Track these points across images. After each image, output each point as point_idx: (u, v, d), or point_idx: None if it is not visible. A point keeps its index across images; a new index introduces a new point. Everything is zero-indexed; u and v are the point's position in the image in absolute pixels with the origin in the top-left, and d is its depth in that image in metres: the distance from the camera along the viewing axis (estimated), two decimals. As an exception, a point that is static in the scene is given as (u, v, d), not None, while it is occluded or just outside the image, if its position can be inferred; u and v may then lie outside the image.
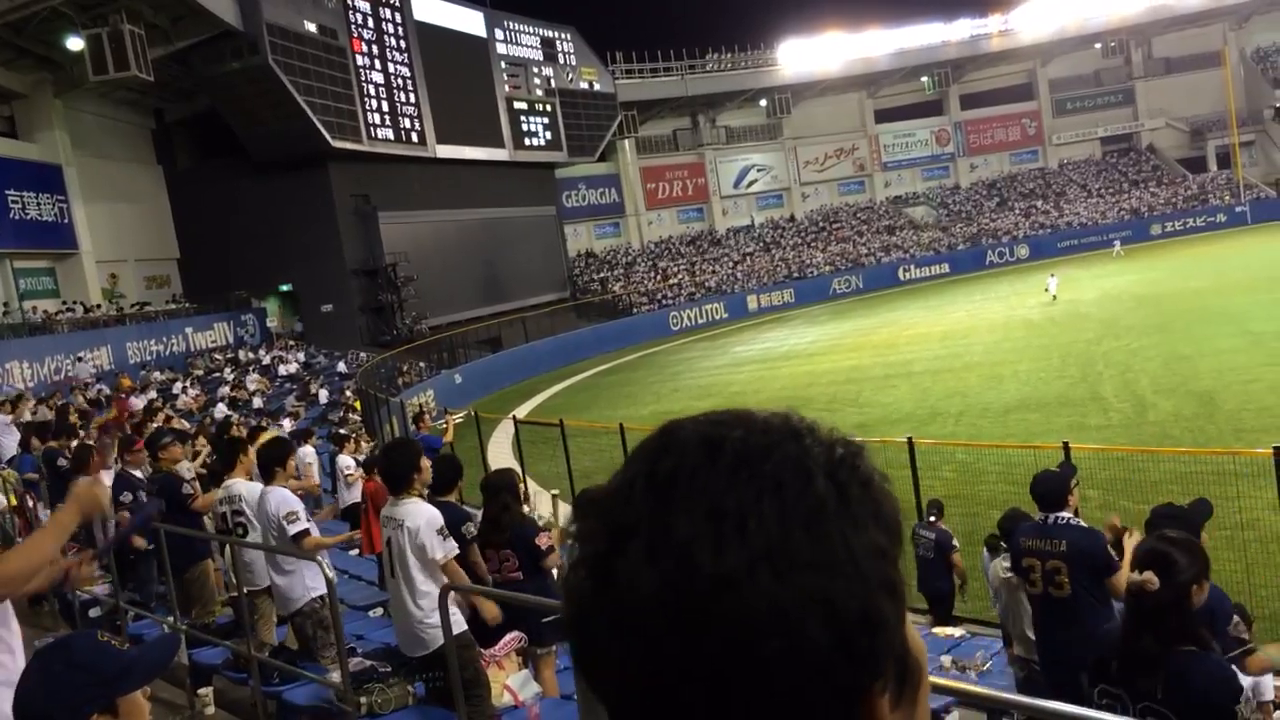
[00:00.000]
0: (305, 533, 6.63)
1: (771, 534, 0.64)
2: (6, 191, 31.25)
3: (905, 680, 0.70)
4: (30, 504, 10.70)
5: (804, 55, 66.36)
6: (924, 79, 69.33)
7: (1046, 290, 38.04)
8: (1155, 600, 3.46)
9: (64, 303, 32.55)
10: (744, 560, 0.63)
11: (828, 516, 0.66)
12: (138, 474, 9.59)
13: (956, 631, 9.15)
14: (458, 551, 5.90)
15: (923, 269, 61.40)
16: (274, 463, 6.98)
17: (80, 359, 27.43)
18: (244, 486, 7.57)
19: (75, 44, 30.25)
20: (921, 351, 30.06)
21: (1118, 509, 6.50)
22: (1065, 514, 5.58)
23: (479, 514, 7.39)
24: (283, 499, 6.74)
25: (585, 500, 0.79)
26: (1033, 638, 6.19)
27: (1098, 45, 69.57)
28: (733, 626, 0.62)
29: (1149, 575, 3.49)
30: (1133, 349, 24.17)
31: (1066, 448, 10.28)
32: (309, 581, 6.67)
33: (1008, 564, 6.40)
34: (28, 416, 16.36)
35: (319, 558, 5.97)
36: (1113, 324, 28.90)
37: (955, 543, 9.93)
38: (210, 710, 6.75)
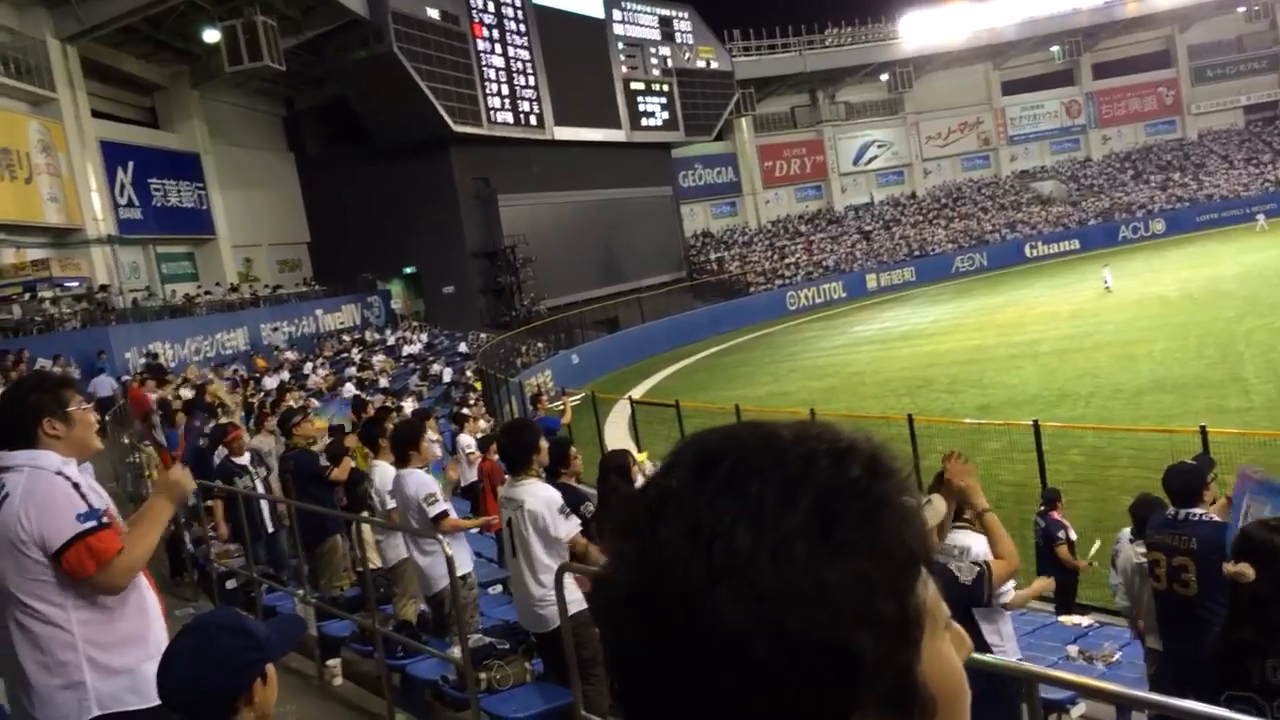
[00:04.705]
0: (445, 514, 6.79)
1: (737, 556, 0.65)
2: (149, 180, 32.79)
3: (912, 714, 0.68)
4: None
5: (927, 27, 64.61)
6: (1054, 49, 66.80)
7: (1104, 284, 36.76)
8: (1252, 592, 3.28)
9: (200, 286, 33.97)
10: (705, 577, 0.65)
11: (801, 544, 0.66)
12: (263, 449, 10.03)
13: (1084, 620, 8.84)
14: (580, 527, 5.96)
15: (1051, 245, 59.34)
16: (407, 445, 7.11)
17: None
18: (381, 471, 7.76)
19: (212, 36, 31.45)
20: (1049, 331, 29.17)
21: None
22: (1199, 510, 5.30)
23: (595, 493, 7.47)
24: (421, 481, 6.88)
25: (618, 495, 0.84)
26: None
27: (1241, 9, 65.78)
28: (687, 639, 0.65)
29: (1243, 566, 3.33)
30: (1276, 328, 22.96)
31: (1204, 432, 9.86)
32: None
33: (1143, 550, 6.16)
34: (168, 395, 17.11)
35: (456, 539, 6.10)
36: (1255, 301, 27.49)
37: (1063, 534, 9.62)
38: (338, 681, 7.00)
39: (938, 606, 0.72)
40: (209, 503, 9.73)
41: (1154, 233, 58.71)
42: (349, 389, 23.13)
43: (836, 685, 0.65)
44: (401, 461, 7.10)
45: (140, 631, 3.41)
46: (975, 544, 5.10)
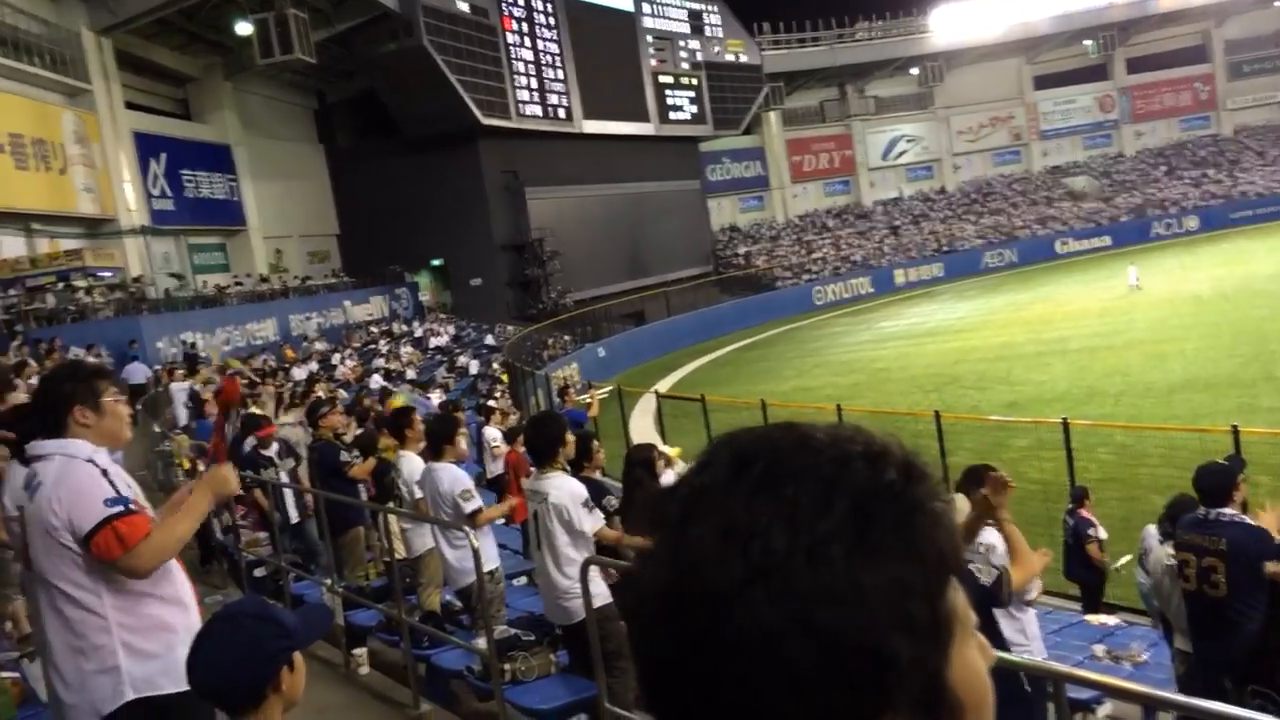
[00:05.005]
0: (480, 510, 6.78)
1: (773, 556, 0.65)
2: (181, 171, 33.09)
3: (940, 718, 0.69)
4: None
5: (958, 21, 64.09)
6: (1087, 43, 66.08)
7: (1131, 283, 36.28)
8: None
9: (233, 277, 34.28)
10: (740, 577, 0.65)
11: (837, 546, 0.66)
12: (292, 439, 10.09)
13: (1111, 620, 8.77)
14: (604, 522, 5.99)
15: (1082, 242, 58.79)
16: (442, 440, 7.09)
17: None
18: (409, 462, 7.79)
19: (244, 28, 31.67)
20: (1079, 328, 28.90)
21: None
22: (1229, 510, 5.26)
23: (619, 486, 7.49)
24: (455, 477, 6.84)
25: (646, 491, 0.85)
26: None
27: (1278, 3, 64.98)
28: (718, 639, 0.65)
29: None
30: (1312, 327, 22.68)
31: (1236, 432, 9.75)
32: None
33: (1173, 550, 6.11)
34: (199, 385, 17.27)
35: (483, 533, 6.12)
36: (1290, 300, 27.17)
37: (1093, 532, 9.55)
38: (364, 670, 7.06)
39: (966, 613, 0.72)
40: (240, 492, 9.81)
41: (1187, 230, 58.06)
42: (376, 380, 23.26)
43: (869, 688, 0.65)
44: (434, 455, 7.09)
45: (174, 616, 3.46)
46: (999, 543, 5.08)
